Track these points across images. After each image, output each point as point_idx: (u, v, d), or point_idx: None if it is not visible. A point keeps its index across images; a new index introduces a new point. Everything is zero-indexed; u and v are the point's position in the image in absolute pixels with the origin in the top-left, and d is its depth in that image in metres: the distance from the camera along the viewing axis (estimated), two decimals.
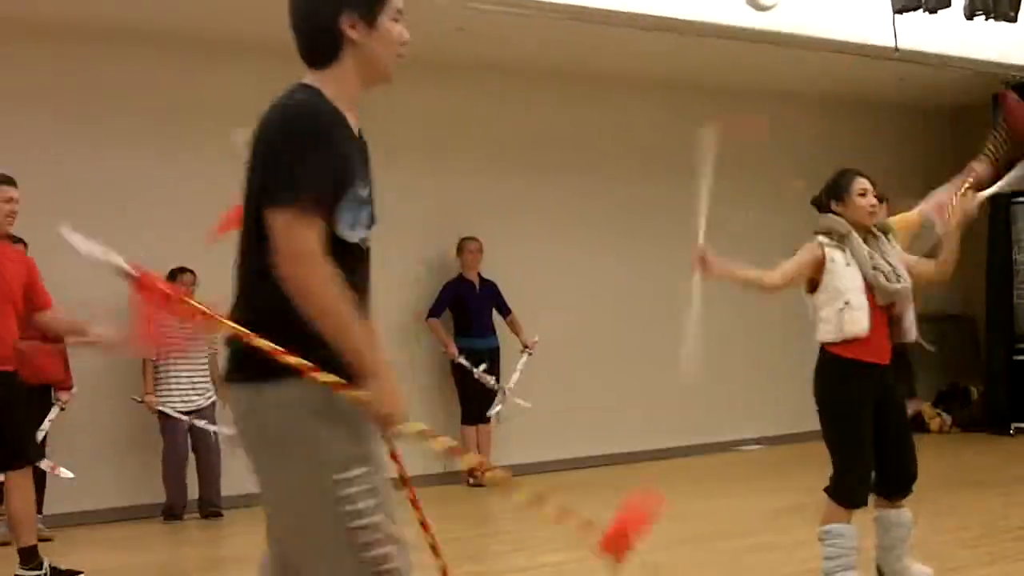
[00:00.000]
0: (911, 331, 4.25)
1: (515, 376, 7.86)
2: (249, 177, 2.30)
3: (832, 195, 4.26)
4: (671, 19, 7.42)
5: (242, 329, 2.28)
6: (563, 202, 8.78)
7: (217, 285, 7.75)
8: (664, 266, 9.18)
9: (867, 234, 4.20)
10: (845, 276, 4.09)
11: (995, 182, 4.93)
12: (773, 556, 5.07)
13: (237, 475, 6.94)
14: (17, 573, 5.21)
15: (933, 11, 7.81)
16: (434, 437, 2.41)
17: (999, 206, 9.82)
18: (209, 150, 7.28)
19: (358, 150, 2.36)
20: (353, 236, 2.31)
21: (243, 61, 7.08)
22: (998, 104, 6.44)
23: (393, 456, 2.46)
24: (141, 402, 6.86)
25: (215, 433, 6.92)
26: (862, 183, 4.23)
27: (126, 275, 2.35)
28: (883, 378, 4.14)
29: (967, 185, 4.84)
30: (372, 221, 2.38)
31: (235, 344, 2.33)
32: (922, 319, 7.01)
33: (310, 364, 2.21)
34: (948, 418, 9.93)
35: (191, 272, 6.81)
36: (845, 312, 4.05)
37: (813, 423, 4.30)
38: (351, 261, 2.31)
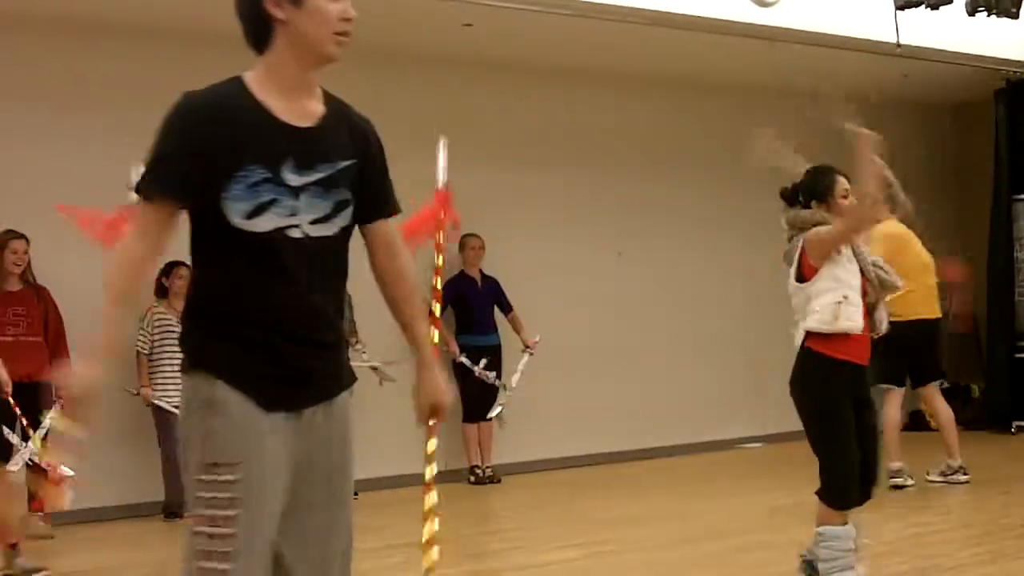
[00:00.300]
0: (883, 323, 4.15)
1: (516, 376, 7.85)
2: None
3: (813, 195, 4.17)
4: (675, 15, 7.41)
5: None
6: (566, 199, 8.77)
7: None
8: (665, 264, 9.21)
9: None
10: (848, 270, 4.03)
11: None
12: (771, 554, 5.05)
13: None
14: None
15: (935, 7, 7.81)
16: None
17: (1000, 204, 9.81)
18: None
19: (261, 135, 2.28)
20: (256, 224, 2.24)
21: (237, 56, 7.07)
22: None
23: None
24: (136, 394, 6.85)
25: None
26: (844, 183, 4.15)
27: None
28: (862, 378, 4.11)
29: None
30: (299, 211, 2.28)
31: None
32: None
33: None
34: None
35: (186, 266, 6.80)
36: (843, 306, 3.97)
37: None
38: (255, 251, 2.26)
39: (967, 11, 8.14)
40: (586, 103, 8.88)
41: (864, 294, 4.06)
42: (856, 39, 8.26)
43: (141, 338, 6.86)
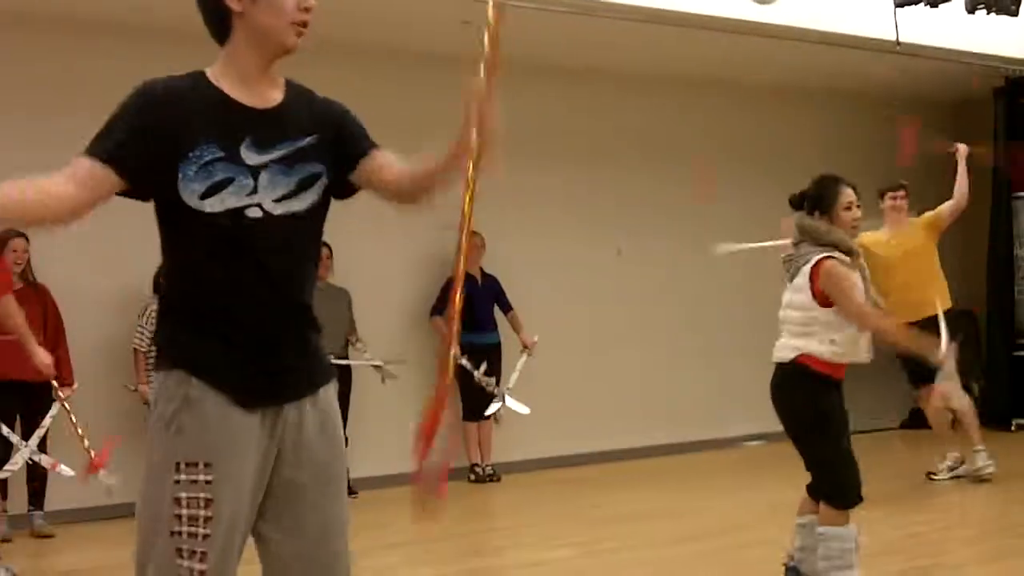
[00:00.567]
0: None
1: (514, 376, 7.83)
2: None
3: (816, 205, 4.07)
4: (674, 13, 7.40)
5: None
6: (565, 197, 8.77)
7: None
8: (665, 261, 9.21)
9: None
10: (861, 293, 3.99)
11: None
12: (772, 551, 5.03)
13: None
14: None
15: (934, 5, 7.80)
16: None
17: (1000, 201, 9.81)
18: None
19: (216, 115, 2.27)
20: (211, 205, 2.22)
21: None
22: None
23: None
24: (135, 390, 6.84)
25: None
26: (849, 195, 4.05)
27: None
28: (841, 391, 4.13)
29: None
30: (260, 190, 2.26)
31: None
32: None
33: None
34: (949, 414, 9.91)
35: None
36: (861, 339, 3.96)
37: None
38: (214, 234, 2.24)
39: (966, 9, 8.13)
40: (586, 101, 8.87)
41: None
42: (855, 36, 8.26)
43: (138, 335, 6.85)
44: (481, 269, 8.03)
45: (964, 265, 10.00)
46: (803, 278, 3.99)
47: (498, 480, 7.82)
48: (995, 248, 9.84)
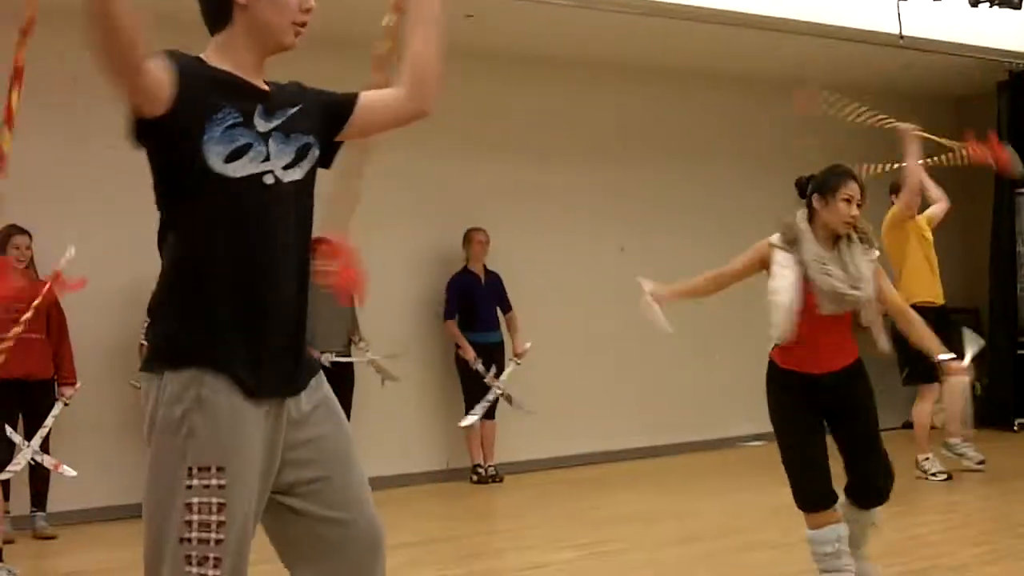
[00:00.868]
0: (881, 341, 4.04)
1: (502, 378, 7.79)
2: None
3: (817, 188, 4.07)
4: (676, 5, 7.37)
5: None
6: (568, 193, 8.75)
7: None
8: (667, 259, 9.17)
9: (837, 238, 4.02)
10: (779, 277, 4.02)
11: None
12: (775, 553, 5.06)
13: None
14: None
15: None
16: None
17: (1003, 198, 9.78)
18: None
19: (230, 84, 2.30)
20: (234, 169, 2.23)
21: None
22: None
23: None
24: (139, 387, 6.82)
25: None
26: (850, 189, 4.00)
27: None
28: (831, 387, 4.04)
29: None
30: (271, 156, 2.29)
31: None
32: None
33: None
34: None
35: None
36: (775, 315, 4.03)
37: None
38: (232, 201, 2.25)
39: (970, 2, 8.13)
40: (588, 95, 8.84)
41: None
42: (859, 30, 8.23)
43: (145, 331, 6.83)
44: (484, 266, 8.01)
45: (966, 262, 9.98)
46: None
47: (500, 481, 7.81)
48: (997, 245, 9.81)
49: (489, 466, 7.85)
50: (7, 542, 6.07)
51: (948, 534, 5.59)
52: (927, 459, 7.10)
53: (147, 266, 7.31)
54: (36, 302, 5.34)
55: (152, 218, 7.38)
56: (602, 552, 5.46)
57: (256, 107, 2.29)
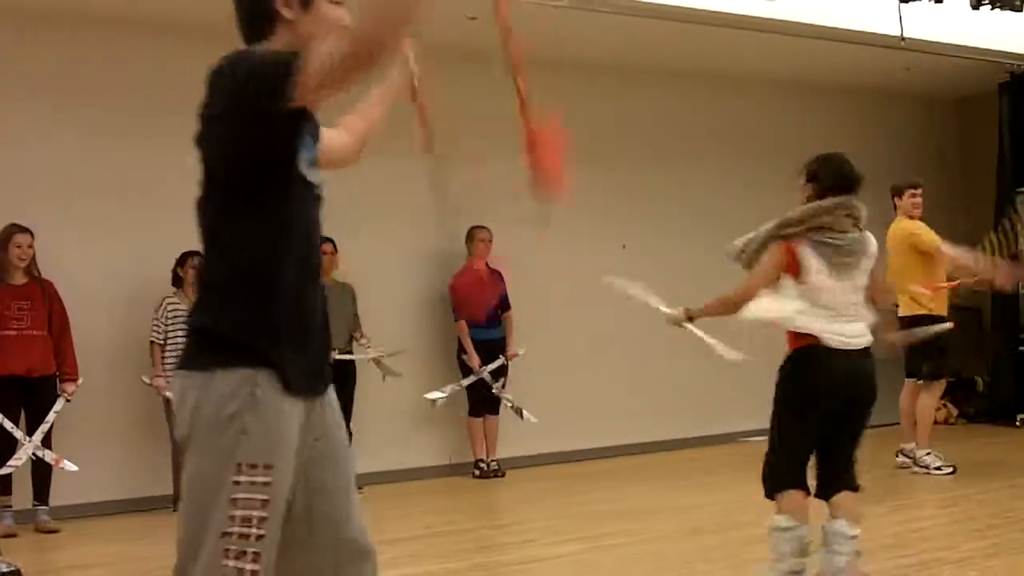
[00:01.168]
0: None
1: (487, 368, 7.78)
2: (202, 149, 2.29)
3: (812, 177, 4.14)
4: (677, 8, 7.40)
5: None
6: (570, 191, 8.75)
7: None
8: (669, 257, 9.19)
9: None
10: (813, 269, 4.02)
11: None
12: None
13: None
14: None
15: (939, 0, 7.79)
16: None
17: (1004, 197, 9.79)
18: None
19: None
20: (311, 176, 2.32)
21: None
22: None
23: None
24: (150, 384, 6.83)
25: None
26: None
27: None
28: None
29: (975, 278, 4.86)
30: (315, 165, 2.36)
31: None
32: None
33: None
34: (953, 410, 9.91)
35: (200, 256, 6.80)
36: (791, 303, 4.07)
37: None
38: (304, 205, 2.31)
39: (971, 4, 8.14)
40: (590, 96, 8.86)
41: None
42: (860, 32, 8.26)
43: (155, 329, 6.86)
44: (487, 264, 8.01)
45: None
46: None
47: (503, 476, 7.82)
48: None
49: (491, 461, 7.86)
50: (9, 536, 6.09)
51: (950, 528, 5.59)
52: (928, 454, 7.12)
53: (148, 265, 7.39)
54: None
55: (152, 218, 7.43)
56: (604, 546, 5.46)
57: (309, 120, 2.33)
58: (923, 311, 6.78)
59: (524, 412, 7.77)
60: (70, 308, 6.60)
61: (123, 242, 7.04)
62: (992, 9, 8.21)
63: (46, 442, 6.36)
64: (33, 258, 6.51)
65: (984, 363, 10.01)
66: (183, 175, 8.22)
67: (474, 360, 7.70)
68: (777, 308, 3.94)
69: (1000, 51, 9.15)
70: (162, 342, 6.84)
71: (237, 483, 2.16)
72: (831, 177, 4.03)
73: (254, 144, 2.19)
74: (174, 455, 6.82)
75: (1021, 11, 8.40)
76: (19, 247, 6.44)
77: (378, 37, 2.09)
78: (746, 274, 4.12)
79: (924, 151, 10.28)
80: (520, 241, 8.39)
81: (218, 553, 2.16)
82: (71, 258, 6.80)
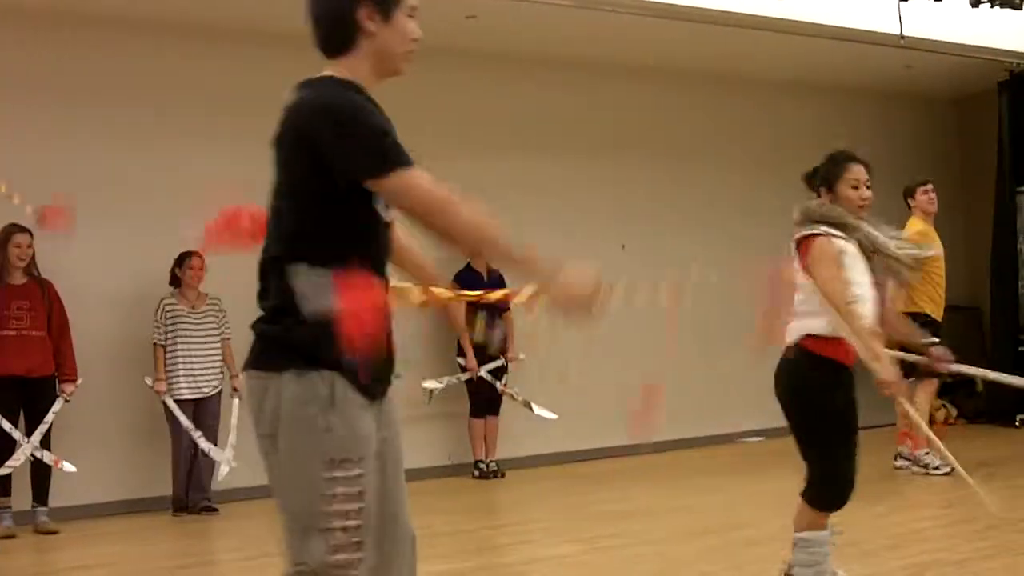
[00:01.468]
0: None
1: (484, 368, 7.79)
2: (280, 169, 2.32)
3: (823, 181, 3.88)
4: (678, 7, 7.40)
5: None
6: (570, 191, 8.76)
7: (223, 271, 7.78)
8: (669, 256, 9.19)
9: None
10: (854, 269, 3.74)
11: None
12: (775, 547, 5.04)
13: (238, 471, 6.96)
14: None
15: None
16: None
17: (1004, 197, 9.79)
18: (213, 135, 7.28)
19: None
20: (386, 214, 2.35)
21: (242, 53, 7.08)
22: None
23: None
24: (151, 386, 6.82)
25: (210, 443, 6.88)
26: (856, 173, 3.81)
27: None
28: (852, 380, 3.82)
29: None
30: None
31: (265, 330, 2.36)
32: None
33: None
34: (953, 410, 9.91)
35: (199, 256, 6.81)
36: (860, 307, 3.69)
37: None
38: (380, 235, 2.37)
39: (970, 2, 8.14)
40: (589, 95, 8.86)
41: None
42: (859, 31, 8.25)
43: (157, 330, 6.85)
44: (488, 264, 8.01)
45: (967, 261, 9.99)
46: (795, 258, 3.85)
47: (502, 476, 7.82)
48: (998, 244, 9.82)
49: (491, 461, 7.86)
50: (8, 537, 6.09)
51: (949, 529, 5.59)
52: (927, 453, 7.12)
53: (150, 266, 7.38)
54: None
55: (152, 218, 7.41)
56: (604, 547, 5.46)
57: None
58: (918, 310, 6.78)
59: (534, 406, 7.76)
60: (70, 308, 6.60)
61: (123, 242, 7.04)
62: (991, 7, 8.21)
63: (45, 443, 6.36)
64: (32, 258, 6.50)
65: (984, 363, 10.01)
66: (183, 175, 8.30)
67: (471, 363, 7.70)
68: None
69: (1000, 49, 9.15)
70: (164, 343, 6.84)
71: (332, 479, 2.24)
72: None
73: (331, 199, 2.27)
74: (174, 456, 6.83)
75: (1020, 9, 8.40)
76: (18, 247, 6.43)
77: (500, 256, 2.30)
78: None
79: (924, 149, 10.28)
80: (519, 240, 8.45)
81: (327, 548, 2.24)
82: (71, 258, 6.79)
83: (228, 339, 6.94)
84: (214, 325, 6.92)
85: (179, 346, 6.83)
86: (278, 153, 2.32)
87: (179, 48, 7.23)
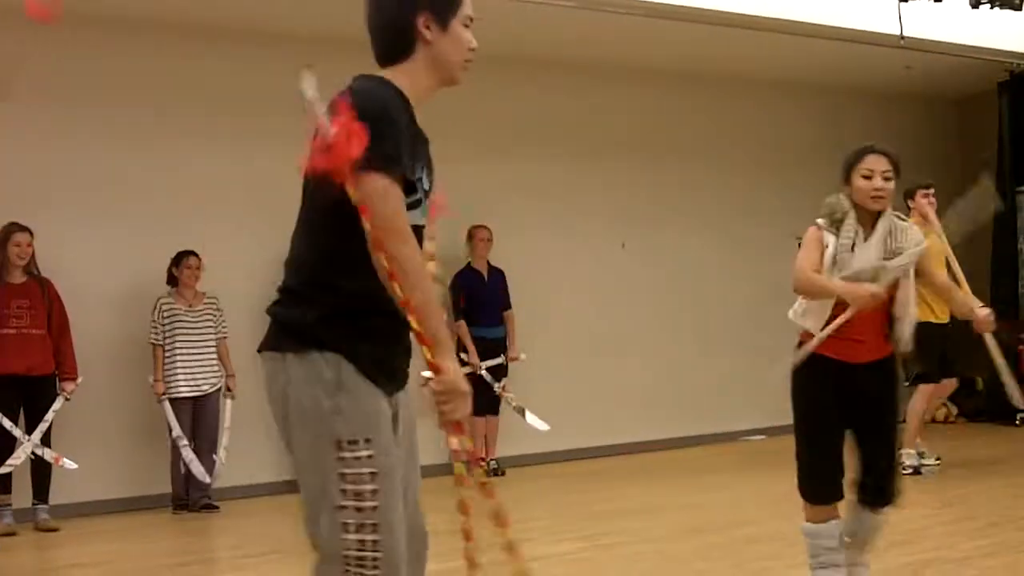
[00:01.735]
0: (904, 339, 3.78)
1: (484, 365, 7.79)
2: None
3: (843, 172, 3.84)
4: (677, 7, 7.41)
5: None
6: (571, 190, 8.77)
7: (222, 270, 7.79)
8: (669, 255, 9.21)
9: (878, 217, 3.78)
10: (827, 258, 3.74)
11: None
12: (779, 545, 5.05)
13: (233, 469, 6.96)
14: None
15: None
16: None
17: (1004, 196, 9.79)
18: (212, 135, 7.29)
19: (420, 139, 2.43)
20: (413, 217, 2.34)
21: (244, 54, 7.08)
22: None
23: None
24: (153, 385, 6.83)
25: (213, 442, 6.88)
26: (869, 163, 3.77)
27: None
28: (867, 379, 3.79)
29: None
30: (423, 216, 2.44)
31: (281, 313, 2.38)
32: None
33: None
34: (954, 408, 9.91)
35: (196, 256, 6.82)
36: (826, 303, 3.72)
37: None
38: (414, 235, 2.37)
39: (970, 3, 8.14)
40: (589, 95, 8.87)
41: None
42: (859, 31, 8.26)
43: (154, 330, 6.86)
44: (488, 263, 8.02)
45: (967, 260, 9.96)
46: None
47: (502, 475, 7.82)
48: (999, 243, 9.83)
49: (491, 460, 7.86)
50: (9, 534, 6.09)
51: (950, 527, 5.59)
52: (912, 454, 7.10)
53: (149, 265, 7.38)
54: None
55: (152, 218, 7.42)
56: (604, 544, 5.46)
57: (425, 164, 2.42)
58: (927, 319, 6.78)
59: (528, 413, 7.77)
60: (70, 307, 6.61)
61: (123, 242, 7.05)
62: (991, 8, 8.21)
63: (45, 441, 6.37)
64: (32, 257, 6.51)
65: (984, 362, 10.00)
66: (183, 175, 8.33)
67: (474, 359, 7.70)
68: None
69: (999, 50, 9.16)
70: (161, 343, 6.84)
71: (341, 459, 2.25)
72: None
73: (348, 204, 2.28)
74: (174, 454, 6.83)
75: (1020, 10, 8.40)
76: (18, 246, 6.44)
77: (414, 310, 2.24)
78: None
79: (924, 150, 10.27)
80: (520, 241, 8.47)
81: (338, 526, 2.25)
82: (71, 257, 6.80)
83: (225, 338, 6.95)
84: (211, 324, 6.94)
85: (177, 345, 6.83)
86: None
87: (179, 48, 7.24)
